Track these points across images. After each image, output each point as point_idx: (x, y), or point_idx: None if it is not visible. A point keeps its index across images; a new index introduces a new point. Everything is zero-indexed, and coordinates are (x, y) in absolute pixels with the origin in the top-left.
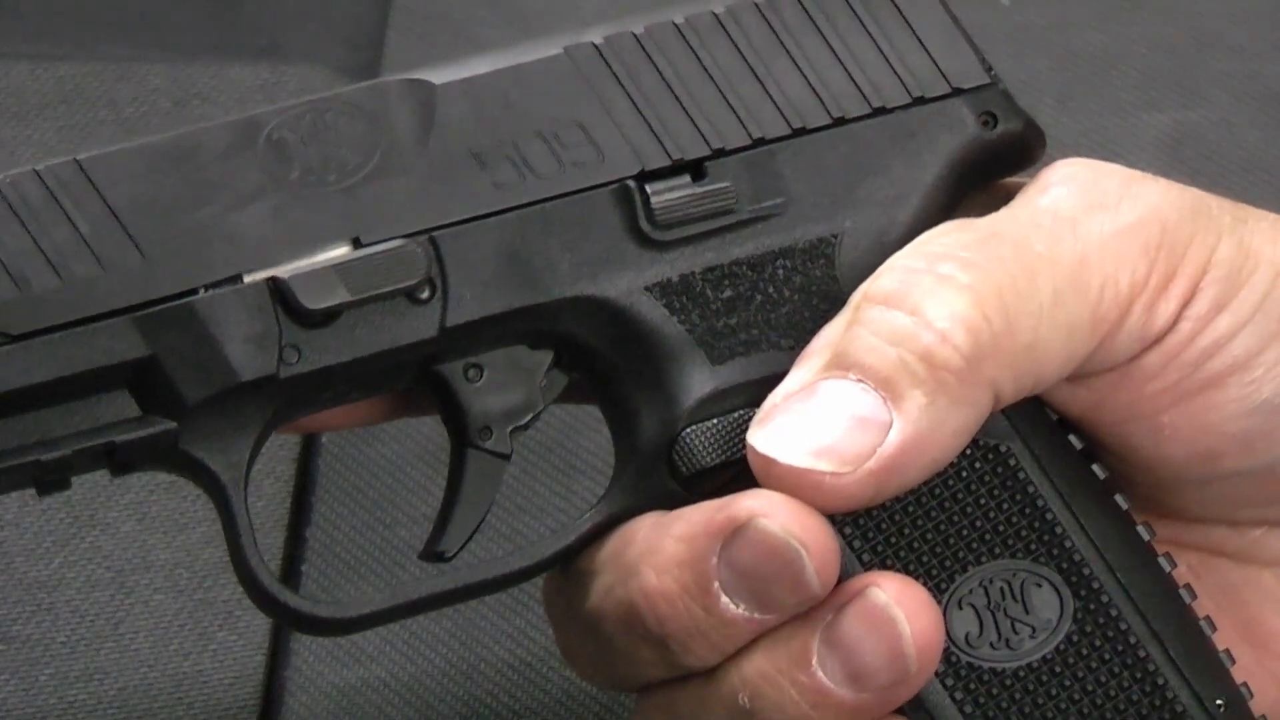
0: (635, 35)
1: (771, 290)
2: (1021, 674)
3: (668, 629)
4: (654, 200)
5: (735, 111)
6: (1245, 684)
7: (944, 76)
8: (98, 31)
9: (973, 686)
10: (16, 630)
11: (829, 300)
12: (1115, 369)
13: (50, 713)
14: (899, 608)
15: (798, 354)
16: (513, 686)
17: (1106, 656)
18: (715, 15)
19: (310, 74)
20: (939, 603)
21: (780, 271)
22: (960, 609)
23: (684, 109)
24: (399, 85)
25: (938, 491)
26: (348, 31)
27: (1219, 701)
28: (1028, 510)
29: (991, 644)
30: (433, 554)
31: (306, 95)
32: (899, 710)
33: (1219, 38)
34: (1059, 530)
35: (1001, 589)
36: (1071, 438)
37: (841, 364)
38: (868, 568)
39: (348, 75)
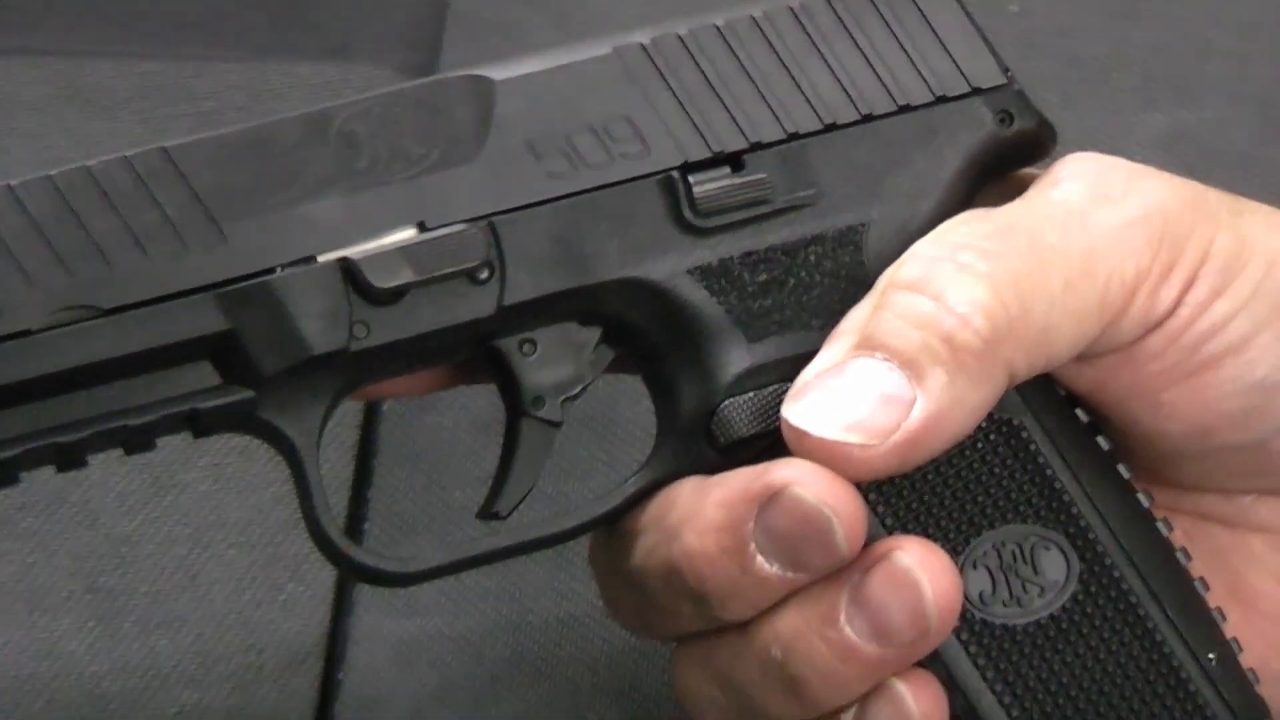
0: (679, 36)
1: (804, 274)
2: (1031, 630)
3: (707, 586)
4: (696, 190)
5: (771, 108)
6: (1235, 639)
7: (964, 77)
8: (177, 32)
9: (986, 641)
10: (102, 581)
11: (857, 284)
12: (1120, 350)
13: (132, 657)
14: (921, 570)
15: (828, 334)
16: (559, 637)
17: (1109, 614)
18: (753, 18)
19: (373, 73)
20: (956, 564)
21: (812, 257)
22: (975, 569)
23: (724, 105)
24: (461, 81)
25: (956, 462)
26: (408, 33)
27: (1211, 656)
28: (1038, 479)
29: (1003, 602)
30: (488, 514)
31: (371, 91)
32: (919, 663)
33: (1213, 44)
34: (1066, 497)
35: (1013, 551)
36: (1078, 412)
37: (869, 344)
38: (891, 531)
39: (407, 74)
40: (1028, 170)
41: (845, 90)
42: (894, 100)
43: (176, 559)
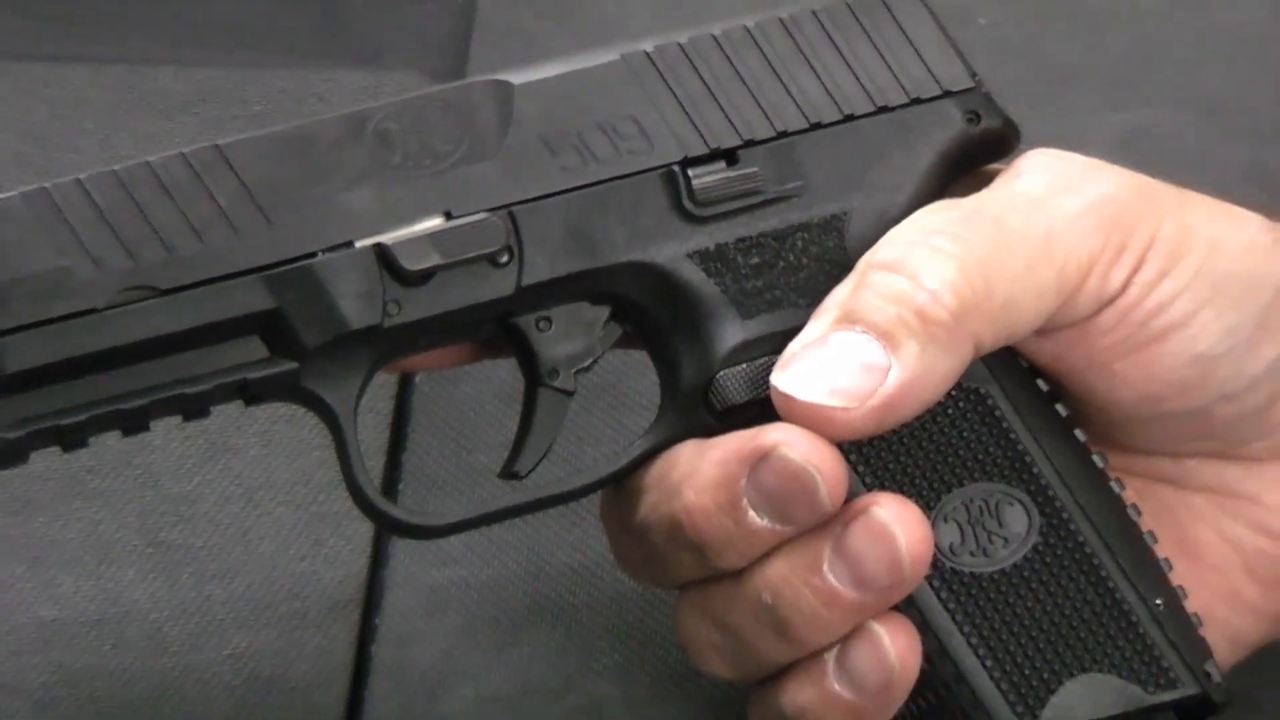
0: (680, 44)
1: (792, 258)
2: (996, 578)
3: (704, 538)
4: (695, 182)
5: (763, 109)
6: (1181, 587)
7: (936, 81)
8: (231, 41)
9: (955, 588)
10: (162, 537)
11: (839, 266)
12: (1076, 325)
13: (189, 605)
14: (896, 523)
15: (813, 311)
16: (573, 585)
17: (1066, 564)
18: (746, 28)
19: (406, 78)
20: (928, 517)
21: (799, 242)
22: (945, 523)
23: (720, 106)
24: (484, 85)
25: (928, 426)
26: (438, 43)
27: (1159, 601)
28: (1002, 442)
29: (971, 553)
30: (509, 474)
31: (404, 94)
32: (894, 607)
33: (1165, 52)
34: (1028, 459)
35: (980, 507)
36: (1039, 382)
37: (850, 319)
38: (870, 489)
39: (437, 79)
40: (994, 166)
41: (829, 93)
42: (873, 102)
43: (230, 516)
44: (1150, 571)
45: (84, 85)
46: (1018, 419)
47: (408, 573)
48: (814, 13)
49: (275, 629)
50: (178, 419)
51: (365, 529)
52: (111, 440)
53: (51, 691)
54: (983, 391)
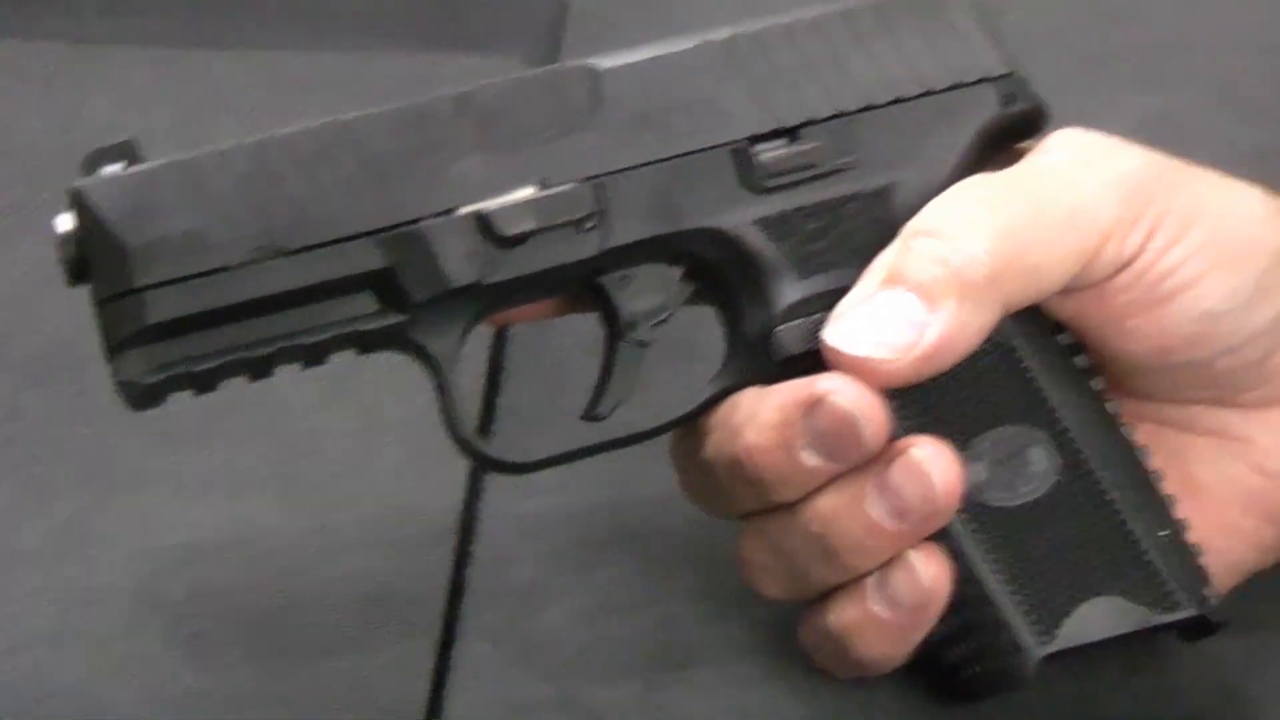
0: (751, 34)
1: (845, 224)
2: (1019, 511)
3: (762, 474)
4: (761, 156)
5: (822, 92)
6: (1184, 520)
7: (976, 67)
8: (354, 29)
9: (983, 520)
10: (286, 469)
11: (888, 231)
12: (1095, 286)
13: (309, 529)
14: (932, 462)
15: (862, 271)
16: (649, 515)
17: (1082, 499)
18: (810, 20)
19: (508, 63)
20: (960, 457)
21: (852, 210)
22: (975, 462)
23: (784, 89)
24: (576, 68)
25: (961, 375)
26: (536, 31)
27: (1164, 532)
28: (1027, 390)
29: (998, 489)
30: (591, 416)
31: (506, 76)
32: (929, 537)
33: (1184, 40)
34: (1050, 405)
35: (1007, 448)
36: (1061, 337)
37: (894, 279)
38: (909, 431)
39: (535, 64)
40: (1025, 144)
41: (880, 78)
42: (919, 85)
43: (345, 452)
44: (1157, 506)
45: (226, 70)
46: (1041, 369)
47: (501, 504)
48: (870, 7)
49: (383, 552)
50: (299, 367)
51: (463, 465)
52: (241, 384)
53: (188, 606)
54: (1011, 345)
